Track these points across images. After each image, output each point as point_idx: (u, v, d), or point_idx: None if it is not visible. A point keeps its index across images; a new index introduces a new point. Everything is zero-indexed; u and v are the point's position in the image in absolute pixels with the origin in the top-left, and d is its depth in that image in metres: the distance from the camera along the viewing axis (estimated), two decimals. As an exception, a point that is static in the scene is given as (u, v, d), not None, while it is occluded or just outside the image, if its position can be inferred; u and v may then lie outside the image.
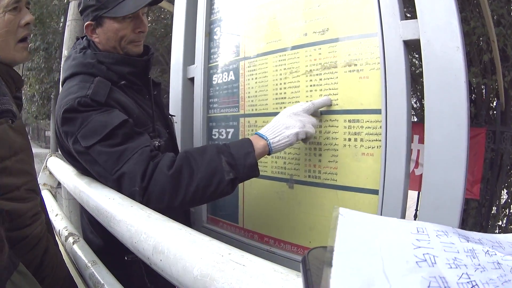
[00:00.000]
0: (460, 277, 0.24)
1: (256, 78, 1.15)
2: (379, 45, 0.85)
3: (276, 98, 1.08)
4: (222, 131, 1.27)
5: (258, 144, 0.89)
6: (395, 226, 0.30)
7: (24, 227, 0.66)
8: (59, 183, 1.69)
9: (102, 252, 0.99)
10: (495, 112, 4.12)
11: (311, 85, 1.00)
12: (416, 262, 0.26)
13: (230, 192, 0.88)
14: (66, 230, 1.18)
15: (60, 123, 0.92)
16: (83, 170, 0.99)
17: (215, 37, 1.31)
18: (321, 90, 0.97)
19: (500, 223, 4.33)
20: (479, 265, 0.26)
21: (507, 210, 4.44)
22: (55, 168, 1.53)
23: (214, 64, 1.31)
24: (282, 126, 0.90)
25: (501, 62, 3.53)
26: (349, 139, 0.92)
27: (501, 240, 0.30)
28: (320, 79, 0.97)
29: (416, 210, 3.78)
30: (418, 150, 3.34)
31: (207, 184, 0.84)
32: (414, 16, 0.80)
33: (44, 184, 1.84)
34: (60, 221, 1.30)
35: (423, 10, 0.78)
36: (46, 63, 6.16)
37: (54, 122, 1.04)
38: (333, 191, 0.96)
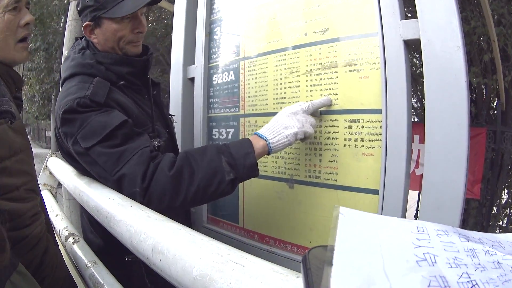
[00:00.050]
0: (460, 276, 0.24)
1: (256, 78, 1.14)
2: (379, 45, 0.85)
3: (276, 98, 1.08)
4: (222, 131, 1.27)
5: (258, 144, 0.89)
6: (396, 225, 0.30)
7: (23, 227, 0.66)
8: (59, 183, 1.69)
9: (102, 252, 0.99)
10: (495, 112, 4.12)
11: (311, 85, 1.00)
12: (416, 261, 0.25)
13: (231, 192, 0.88)
14: (66, 230, 1.18)
15: (59, 124, 0.92)
16: (83, 170, 0.99)
17: (215, 37, 1.31)
18: (321, 90, 0.97)
19: (500, 223, 4.32)
20: (479, 264, 0.26)
21: (508, 210, 4.44)
22: (55, 168, 1.53)
23: (214, 64, 1.31)
24: (281, 126, 0.90)
25: (501, 61, 3.53)
26: (350, 139, 0.92)
27: (501, 239, 0.30)
28: (320, 79, 0.97)
29: (417, 210, 3.77)
30: (419, 150, 3.34)
31: (208, 185, 0.84)
32: (414, 15, 0.79)
33: (45, 184, 1.85)
34: (60, 221, 1.30)
35: (423, 9, 0.78)
36: (46, 63, 6.16)
37: (54, 122, 1.04)
38: (333, 191, 0.96)
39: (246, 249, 0.87)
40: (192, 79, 1.39)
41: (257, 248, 1.12)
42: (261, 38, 1.13)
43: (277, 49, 1.08)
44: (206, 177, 0.84)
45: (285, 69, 1.06)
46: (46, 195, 1.70)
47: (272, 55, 1.10)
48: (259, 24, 1.14)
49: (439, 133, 0.75)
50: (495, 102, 4.16)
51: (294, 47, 1.04)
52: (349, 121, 0.92)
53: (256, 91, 1.14)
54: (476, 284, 0.24)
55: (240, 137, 1.20)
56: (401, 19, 0.82)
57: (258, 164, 0.89)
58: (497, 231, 4.16)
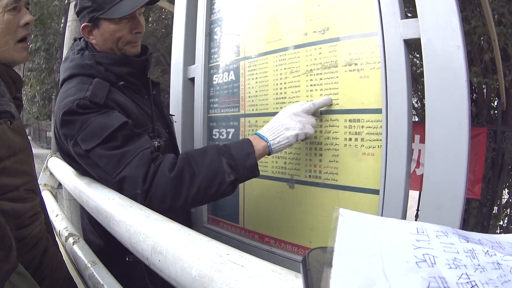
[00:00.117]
0: (460, 277, 0.24)
1: (256, 78, 1.14)
2: (379, 44, 0.85)
3: (276, 98, 1.08)
4: (222, 131, 1.27)
5: (259, 145, 0.89)
6: (395, 226, 0.30)
7: (23, 227, 0.66)
8: (59, 184, 1.69)
9: (103, 253, 0.99)
10: (496, 111, 4.12)
11: (311, 85, 0.99)
12: (416, 262, 0.25)
13: (231, 193, 0.89)
14: (66, 230, 1.18)
15: (59, 125, 0.91)
16: (83, 171, 0.99)
17: (215, 37, 1.31)
18: (321, 89, 0.97)
19: (501, 223, 4.32)
20: (479, 265, 0.26)
21: (509, 210, 4.44)
22: (56, 169, 1.54)
23: (214, 64, 1.31)
24: (282, 127, 0.90)
25: (502, 61, 3.52)
26: (350, 139, 0.92)
27: (501, 240, 0.30)
28: (321, 79, 0.97)
29: (418, 210, 3.77)
30: (420, 150, 3.33)
31: (208, 186, 0.85)
32: (414, 15, 0.79)
33: (45, 184, 1.85)
34: (60, 221, 1.30)
35: (423, 9, 0.77)
36: (47, 64, 6.17)
37: (54, 123, 1.04)
38: (333, 191, 0.95)
39: (246, 249, 0.87)
40: (192, 79, 1.39)
41: (258, 248, 1.12)
42: (261, 38, 1.13)
43: (277, 49, 1.08)
44: (207, 178, 0.84)
45: (285, 69, 1.06)
46: (47, 196, 1.70)
47: (272, 55, 1.10)
48: (259, 24, 1.14)
49: (440, 133, 0.75)
50: (496, 102, 4.16)
51: (294, 47, 1.04)
52: (350, 120, 0.92)
53: (256, 91, 1.14)
54: (476, 285, 0.24)
55: (241, 137, 1.19)
56: (401, 18, 0.82)
57: (258, 164, 0.89)
58: (498, 231, 4.16)
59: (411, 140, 0.82)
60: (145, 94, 1.10)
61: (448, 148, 0.74)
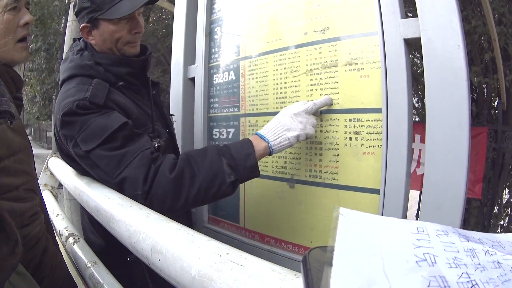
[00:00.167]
0: (460, 276, 0.24)
1: (256, 78, 1.14)
2: (379, 44, 0.85)
3: (276, 98, 1.08)
4: (222, 131, 1.27)
5: (259, 145, 0.89)
6: (395, 225, 0.30)
7: (22, 227, 0.66)
8: (60, 184, 1.69)
9: (104, 253, 0.99)
10: (496, 111, 4.12)
11: (311, 84, 0.99)
12: (416, 261, 0.25)
13: (231, 194, 0.89)
14: (67, 230, 1.18)
15: (59, 126, 0.91)
16: (83, 171, 0.99)
17: (215, 36, 1.31)
18: (321, 89, 0.97)
19: (502, 222, 4.32)
20: (479, 264, 0.26)
21: (509, 210, 4.43)
22: (56, 169, 1.54)
23: (214, 64, 1.31)
24: (283, 128, 0.90)
25: (502, 61, 3.52)
26: (350, 138, 0.92)
27: (501, 239, 0.30)
28: (321, 78, 0.97)
29: (418, 209, 3.76)
30: (420, 150, 3.33)
31: (209, 186, 0.85)
32: (414, 14, 0.79)
33: (45, 184, 1.85)
34: (60, 221, 1.30)
35: (423, 8, 0.77)
36: (47, 64, 6.18)
37: (54, 124, 1.04)
38: (334, 190, 0.95)
39: (246, 249, 0.87)
40: (193, 79, 1.39)
41: (258, 248, 1.12)
42: (262, 38, 1.13)
43: (277, 49, 1.08)
44: (207, 179, 0.84)
45: (285, 68, 1.06)
46: (47, 196, 1.70)
47: (272, 55, 1.09)
48: (259, 23, 1.14)
49: (440, 133, 0.75)
50: (496, 102, 4.16)
51: (295, 47, 1.04)
52: (350, 120, 0.92)
53: (256, 91, 1.14)
54: (476, 284, 0.24)
55: (241, 137, 1.20)
56: (402, 18, 0.82)
57: (259, 164, 0.89)
58: (499, 230, 4.15)
59: (411, 139, 0.82)
60: (145, 94, 1.09)
61: (448, 148, 0.74)
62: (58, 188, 1.95)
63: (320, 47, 0.97)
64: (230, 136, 1.24)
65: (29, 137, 0.78)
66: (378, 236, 0.28)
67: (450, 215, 0.73)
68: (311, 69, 0.99)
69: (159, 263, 0.52)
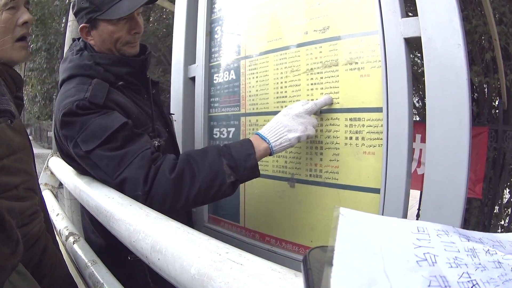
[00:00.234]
0: (461, 276, 0.24)
1: (257, 77, 1.14)
2: (380, 43, 0.85)
3: (277, 97, 1.08)
4: (223, 130, 1.27)
5: (260, 146, 0.89)
6: (396, 225, 0.29)
7: (22, 226, 0.66)
8: (60, 183, 1.69)
9: (104, 252, 0.99)
10: (497, 111, 4.11)
11: (312, 84, 0.99)
12: (417, 261, 0.25)
13: (231, 194, 0.89)
14: (67, 229, 1.18)
15: (59, 126, 0.91)
16: (83, 171, 0.99)
17: (216, 36, 1.31)
18: (322, 88, 0.97)
19: (502, 222, 4.32)
20: (480, 264, 0.26)
21: (510, 209, 4.43)
22: (56, 168, 1.54)
23: (215, 63, 1.31)
24: (284, 129, 0.90)
25: (503, 60, 3.52)
26: (350, 138, 0.91)
27: (502, 239, 0.30)
28: (321, 78, 0.97)
29: (419, 209, 3.76)
30: (421, 149, 3.33)
31: (209, 187, 0.85)
32: (415, 13, 0.79)
33: (46, 184, 1.85)
34: (61, 220, 1.30)
35: (423, 7, 0.77)
36: (48, 64, 6.19)
37: (54, 124, 1.04)
38: (334, 190, 0.95)
39: (247, 249, 0.87)
40: (193, 79, 1.39)
41: (258, 247, 1.12)
42: (262, 37, 1.13)
43: (277, 48, 1.08)
44: (207, 180, 0.85)
45: (285, 67, 1.05)
46: (48, 195, 1.70)
47: (272, 54, 1.09)
48: (260, 23, 1.14)
49: (440, 132, 0.75)
50: (497, 101, 4.15)
51: (295, 46, 1.03)
52: (350, 119, 0.91)
53: (257, 90, 1.14)
54: (477, 283, 0.24)
55: (241, 136, 1.20)
56: (402, 17, 0.82)
57: (259, 163, 0.89)
58: (499, 230, 4.16)
59: (411, 139, 0.82)
60: (144, 93, 1.09)
61: (449, 148, 0.73)
62: (58, 187, 1.95)
63: (321, 46, 0.97)
64: (230, 136, 1.24)
65: (30, 137, 0.78)
66: (379, 236, 0.28)
67: (451, 214, 0.73)
68: (311, 69, 0.99)
69: (159, 262, 0.52)
